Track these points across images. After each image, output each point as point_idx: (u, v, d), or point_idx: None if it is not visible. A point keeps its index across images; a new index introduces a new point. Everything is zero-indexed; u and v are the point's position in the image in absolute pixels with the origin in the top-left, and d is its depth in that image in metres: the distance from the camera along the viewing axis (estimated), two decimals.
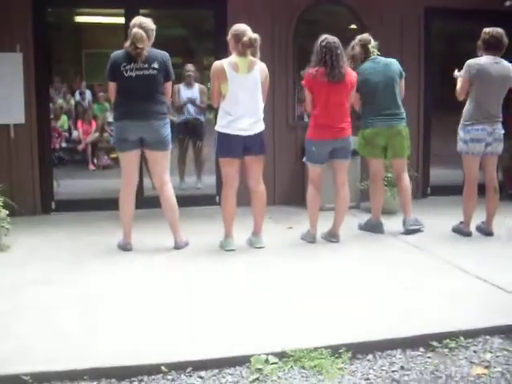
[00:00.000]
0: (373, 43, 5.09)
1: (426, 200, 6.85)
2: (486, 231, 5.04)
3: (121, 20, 6.20)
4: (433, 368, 2.75)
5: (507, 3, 6.44)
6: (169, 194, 4.64)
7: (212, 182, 6.66)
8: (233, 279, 3.94)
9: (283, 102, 6.52)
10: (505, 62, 4.83)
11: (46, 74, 6.43)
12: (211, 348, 2.82)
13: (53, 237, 5.15)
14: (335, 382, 2.62)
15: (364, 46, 5.08)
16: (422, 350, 2.92)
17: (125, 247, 4.67)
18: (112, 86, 4.53)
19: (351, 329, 3.05)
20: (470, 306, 3.38)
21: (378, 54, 5.11)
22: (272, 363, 2.72)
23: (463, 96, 4.93)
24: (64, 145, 9.83)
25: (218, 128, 4.56)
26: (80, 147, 9.74)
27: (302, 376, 2.67)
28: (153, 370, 2.66)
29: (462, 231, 5.06)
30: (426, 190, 7.04)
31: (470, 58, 4.85)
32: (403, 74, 5.12)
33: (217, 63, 4.52)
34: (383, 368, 2.75)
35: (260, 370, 2.68)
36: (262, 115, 4.61)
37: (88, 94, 10.47)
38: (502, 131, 4.89)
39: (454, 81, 5.05)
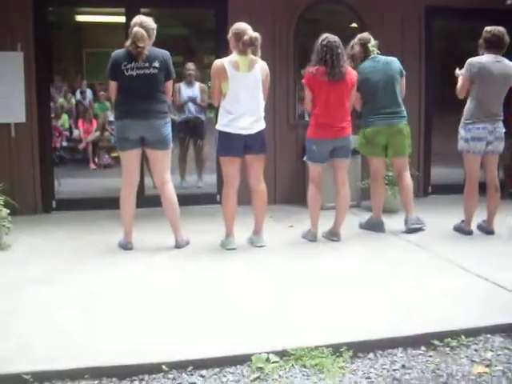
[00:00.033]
0: (372, 42, 5.08)
1: (426, 199, 6.85)
2: (487, 230, 5.04)
3: (121, 19, 6.21)
4: (434, 367, 2.75)
5: (508, 2, 6.41)
6: (170, 192, 4.64)
7: (213, 181, 6.66)
8: (234, 278, 3.94)
9: (284, 101, 6.51)
10: (506, 61, 4.82)
11: (47, 73, 6.42)
12: (212, 347, 2.82)
13: (54, 236, 5.15)
14: (336, 381, 2.61)
15: (363, 44, 5.07)
16: (423, 348, 2.91)
17: (125, 246, 4.67)
18: (113, 85, 4.53)
19: (352, 327, 3.05)
20: (471, 305, 3.37)
21: (377, 53, 5.10)
22: (273, 362, 2.72)
23: (463, 94, 4.92)
24: (65, 144, 9.83)
25: (219, 127, 4.55)
26: (81, 146, 9.75)
27: (303, 375, 2.67)
28: (154, 368, 2.66)
29: (463, 230, 5.05)
30: (427, 188, 7.03)
31: (470, 57, 4.85)
32: (403, 72, 5.10)
33: (217, 62, 4.52)
34: (384, 367, 2.75)
35: (261, 368, 2.68)
36: (262, 114, 4.60)
37: (89, 92, 10.49)
38: (503, 130, 4.89)
39: (454, 79, 5.05)
